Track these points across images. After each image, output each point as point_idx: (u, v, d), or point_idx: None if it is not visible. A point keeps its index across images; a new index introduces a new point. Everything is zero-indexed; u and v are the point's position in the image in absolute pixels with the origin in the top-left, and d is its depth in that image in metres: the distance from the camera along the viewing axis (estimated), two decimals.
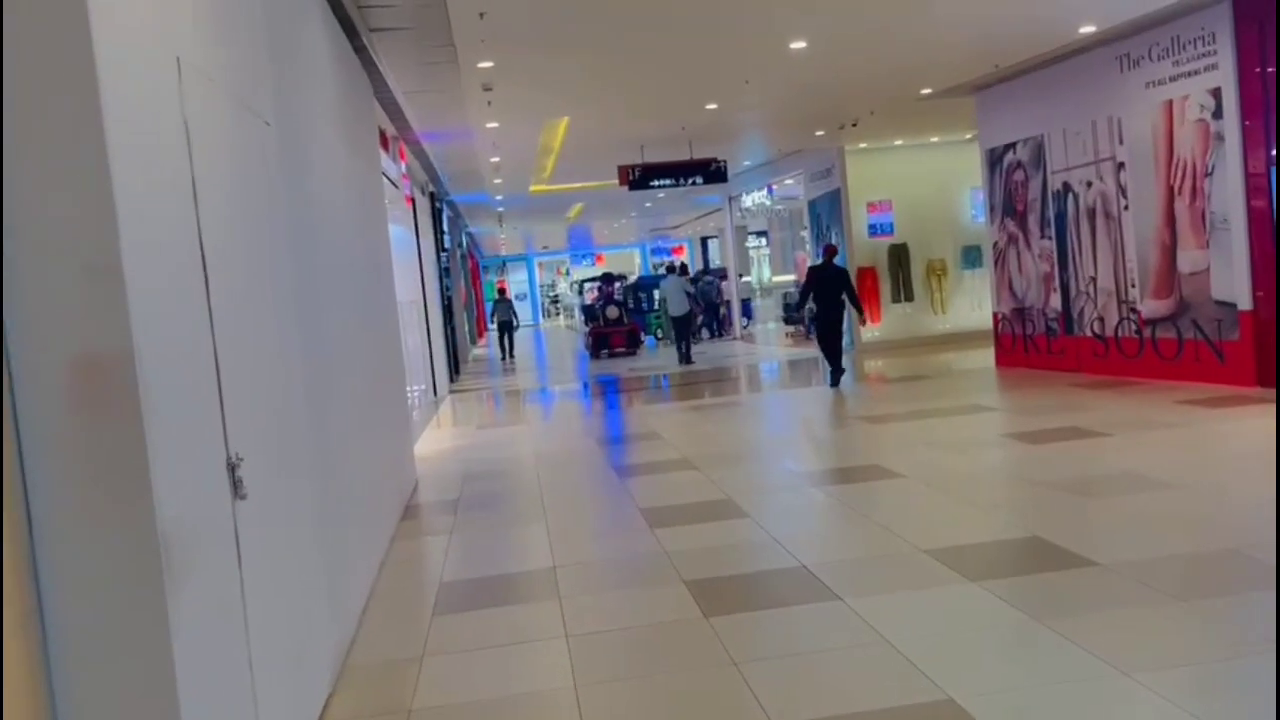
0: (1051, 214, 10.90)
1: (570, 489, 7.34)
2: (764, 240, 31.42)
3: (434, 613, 4.62)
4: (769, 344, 19.34)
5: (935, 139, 15.94)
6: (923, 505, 5.77)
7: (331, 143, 5.48)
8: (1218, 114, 8.59)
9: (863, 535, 5.24)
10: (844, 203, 15.89)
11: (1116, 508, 5.32)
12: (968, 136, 15.78)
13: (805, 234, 29.41)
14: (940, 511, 5.60)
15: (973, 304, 16.37)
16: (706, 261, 40.70)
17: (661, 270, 37.83)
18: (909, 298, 16.30)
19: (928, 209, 16.21)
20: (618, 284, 23.59)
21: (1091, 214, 10.28)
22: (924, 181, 16.16)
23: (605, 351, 19.91)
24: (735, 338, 21.86)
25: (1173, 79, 9.06)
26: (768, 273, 33.58)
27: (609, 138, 12.85)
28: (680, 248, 42.80)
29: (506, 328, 23.02)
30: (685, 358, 16.76)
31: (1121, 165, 9.77)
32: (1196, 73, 8.79)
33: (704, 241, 40.65)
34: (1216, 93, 8.58)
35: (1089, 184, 10.26)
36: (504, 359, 22.19)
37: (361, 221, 6.49)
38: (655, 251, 41.95)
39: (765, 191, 19.00)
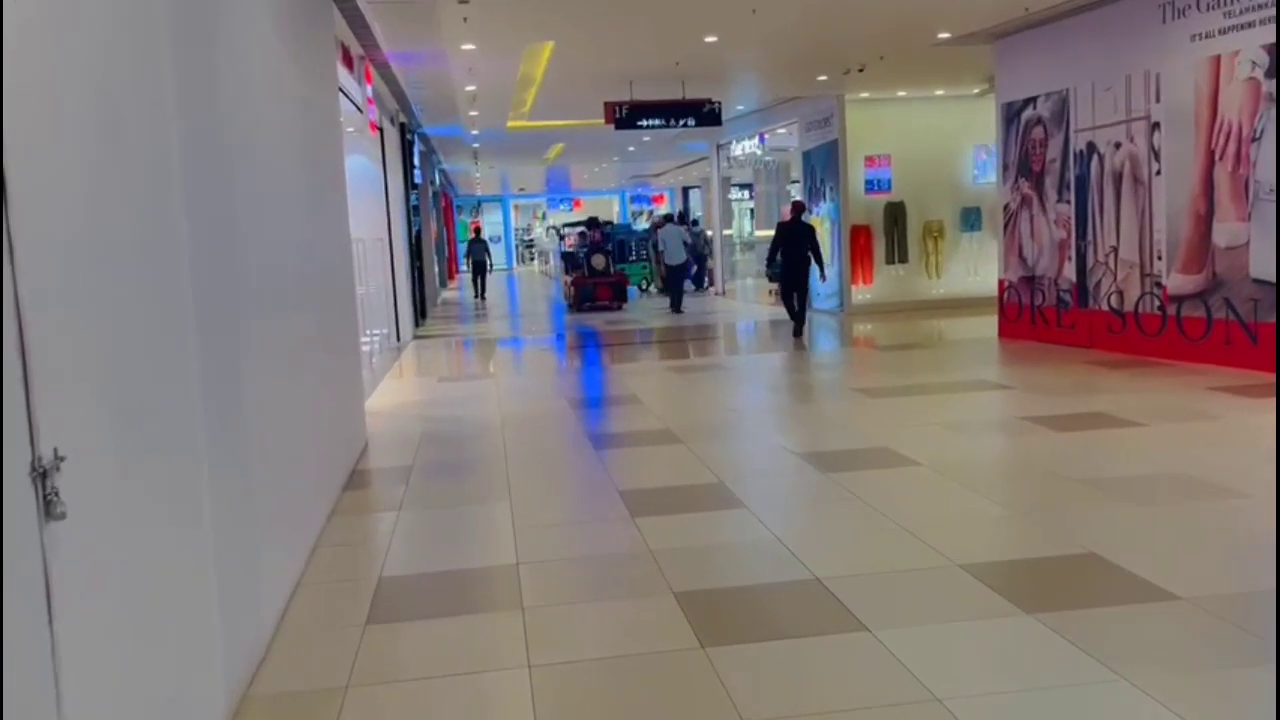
0: (1072, 176, 10.07)
1: (540, 460, 6.50)
2: (747, 193, 30.48)
3: (367, 621, 3.79)
4: (750, 301, 18.49)
5: (940, 92, 15.04)
6: (948, 503, 4.98)
7: (264, 41, 4.52)
8: (1271, 73, 7.76)
9: (884, 540, 4.45)
10: (841, 155, 14.98)
11: (1177, 520, 4.56)
12: (975, 91, 14.93)
13: (793, 188, 28.59)
14: (971, 513, 4.81)
15: (969, 269, 15.63)
16: (687, 211, 39.71)
17: (644, 220, 36.82)
18: (903, 259, 15.49)
19: (928, 167, 15.35)
20: (605, 230, 21.28)
21: (1118, 178, 9.46)
22: (925, 137, 15.28)
23: (588, 304, 18.08)
24: (718, 293, 21.00)
25: (1222, 32, 8.20)
26: (749, 227, 32.72)
27: (596, 71, 11.84)
28: (661, 196, 41.72)
29: (481, 268, 23.91)
30: (676, 306, 17.06)
31: (1156, 125, 8.94)
32: (1250, 25, 7.94)
33: (685, 191, 39.58)
34: (1271, 49, 7.73)
35: (1117, 145, 9.43)
36: (476, 298, 22.63)
37: (306, 142, 5.54)
38: (635, 199, 40.86)
39: (757, 140, 18.01)
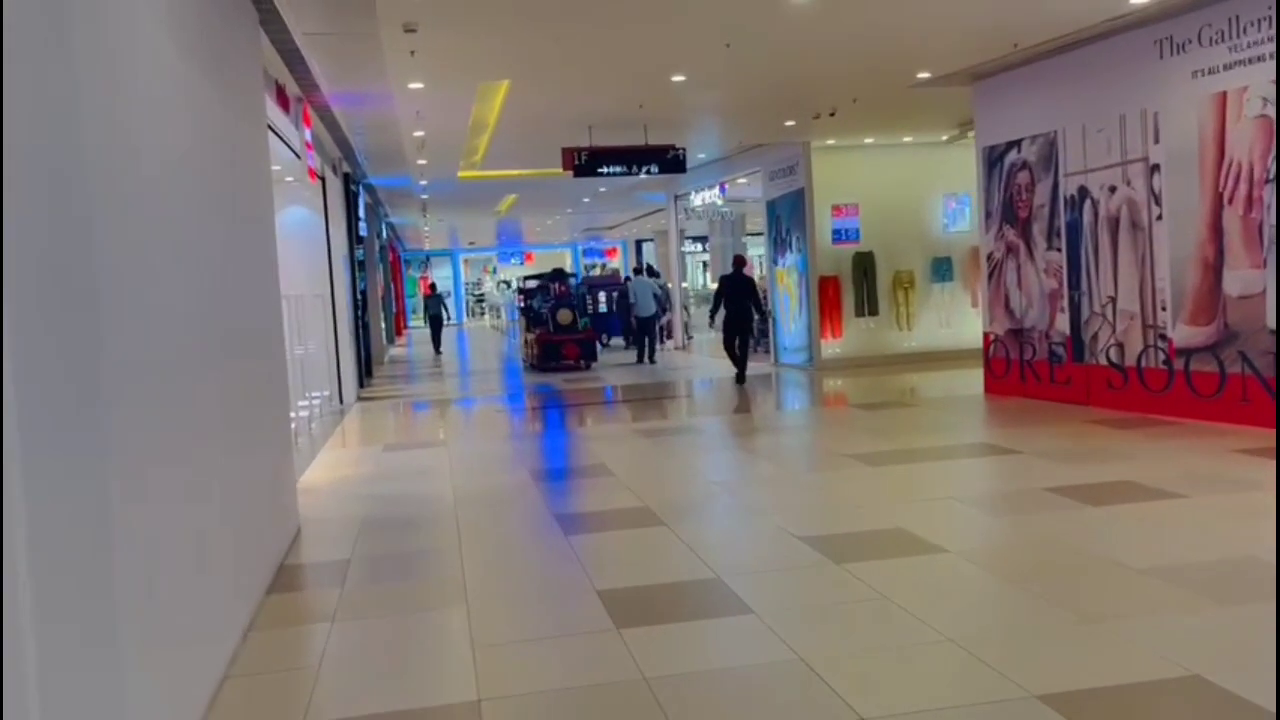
0: (1062, 223, 9.49)
1: (501, 551, 5.59)
2: (700, 245, 29.94)
3: None
4: (713, 355, 17.64)
5: (909, 139, 14.56)
6: (998, 607, 4.17)
7: (163, 60, 3.66)
8: None
9: (934, 661, 3.61)
10: (808, 204, 14.38)
11: (1272, 622, 3.78)
12: (944, 138, 14.48)
13: (749, 240, 28.14)
14: (1031, 620, 3.99)
15: (941, 320, 15.06)
16: (641, 265, 39.15)
17: (597, 271, 36.16)
18: (873, 311, 14.87)
19: (897, 216, 14.82)
20: (571, 282, 19.93)
21: (1114, 224, 8.88)
22: (894, 186, 14.77)
23: (553, 364, 16.40)
24: (678, 347, 20.24)
25: (1227, 67, 7.68)
26: (704, 279, 32.15)
27: (554, 114, 11.11)
28: (614, 249, 41.21)
29: (437, 322, 24.50)
30: (650, 358, 17.22)
31: (1156, 168, 8.38)
32: (1259, 59, 7.42)
33: (638, 244, 39.08)
34: None
35: (1112, 189, 8.86)
36: (435, 353, 22.91)
37: (225, 184, 4.67)
38: (588, 253, 40.26)
39: (717, 190, 17.41)
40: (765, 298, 17.77)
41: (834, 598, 4.36)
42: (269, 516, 5.27)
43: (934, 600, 4.23)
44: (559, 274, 18.59)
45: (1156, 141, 8.35)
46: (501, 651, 3.93)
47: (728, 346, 13.20)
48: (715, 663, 3.71)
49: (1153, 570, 4.40)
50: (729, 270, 13.54)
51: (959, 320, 15.03)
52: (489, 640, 4.03)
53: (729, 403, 11.89)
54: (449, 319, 28.50)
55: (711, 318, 13.92)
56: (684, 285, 23.16)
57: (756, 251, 30.02)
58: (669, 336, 21.11)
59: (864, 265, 14.80)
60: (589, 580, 4.73)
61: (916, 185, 14.81)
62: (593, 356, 16.85)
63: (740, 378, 13.06)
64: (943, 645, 3.69)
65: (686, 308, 23.60)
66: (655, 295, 17.88)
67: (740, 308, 13.01)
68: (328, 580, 5.07)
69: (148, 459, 3.03)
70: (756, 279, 22.04)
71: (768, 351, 16.65)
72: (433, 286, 27.76)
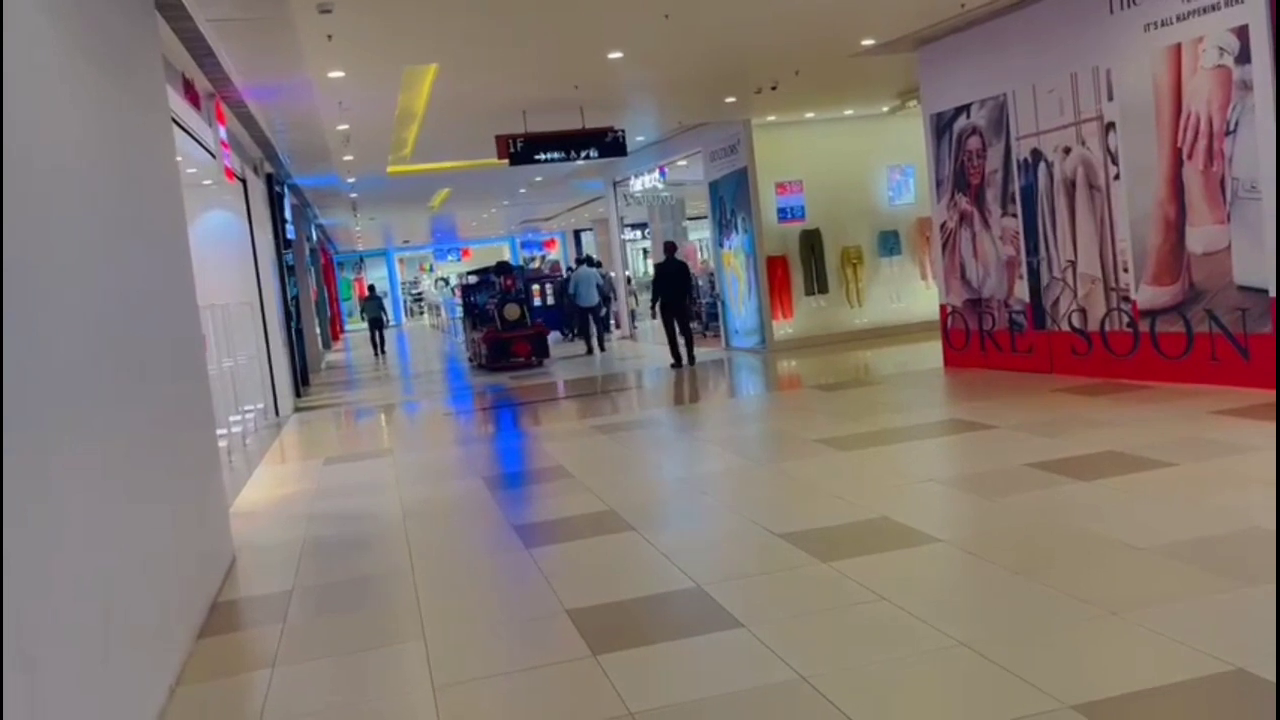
0: (1017, 187, 9.25)
1: (458, 570, 5.13)
2: (640, 233, 29.51)
3: None
4: (660, 343, 17.22)
5: (850, 112, 14.29)
6: (1008, 602, 3.83)
7: (43, 46, 3.14)
8: (1243, 58, 7.01)
9: (956, 673, 3.25)
10: (752, 183, 14.04)
11: None
12: (885, 109, 14.24)
13: (690, 224, 27.82)
14: (1047, 617, 3.65)
15: (891, 295, 14.86)
16: (581, 256, 38.58)
17: (536, 264, 35.53)
18: (823, 289, 14.61)
19: (841, 191, 14.57)
20: (518, 275, 19.26)
21: (1070, 186, 8.65)
22: (837, 160, 14.51)
23: (503, 362, 15.56)
24: (625, 336, 19.83)
25: (1181, 18, 7.45)
26: (644, 267, 31.72)
27: (485, 100, 10.60)
28: (552, 241, 40.63)
29: (377, 324, 24.11)
30: (600, 346, 17.32)
31: (1110, 126, 8.15)
32: (1214, 8, 7.20)
33: (577, 235, 38.53)
34: (1242, 32, 6.99)
35: (1067, 150, 8.63)
36: (376, 355, 22.53)
37: (121, 185, 4.14)
38: (526, 245, 39.62)
39: (657, 174, 17.00)
40: (712, 281, 17.51)
41: (828, 602, 3.98)
42: (196, 550, 4.76)
43: (937, 599, 3.88)
44: (504, 267, 17.83)
45: (1110, 99, 8.12)
46: (466, 691, 3.50)
47: (669, 333, 13.30)
48: (709, 689, 3.31)
49: (1163, 549, 4.10)
50: (682, 256, 14.18)
51: (909, 294, 14.84)
52: (451, 678, 3.59)
53: (684, 392, 11.52)
54: (388, 321, 28.23)
55: (653, 307, 13.96)
56: (627, 274, 22.80)
57: (699, 235, 29.76)
58: (617, 325, 20.78)
59: (811, 243, 14.52)
60: (557, 599, 4.31)
61: (860, 159, 14.57)
62: (545, 353, 16.07)
63: (689, 359, 13.17)
64: (957, 651, 3.33)
65: (635, 295, 23.24)
66: (598, 285, 17.88)
67: (676, 293, 13.18)
68: (267, 616, 4.59)
69: (27, 504, 2.54)
70: (700, 263, 21.87)
71: (718, 335, 16.33)
72: (371, 288, 27.53)
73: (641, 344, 18.21)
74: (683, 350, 13.24)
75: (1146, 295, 8.06)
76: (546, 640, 3.90)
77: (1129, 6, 7.86)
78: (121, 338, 3.78)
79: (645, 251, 30.73)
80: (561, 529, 5.59)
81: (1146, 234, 7.98)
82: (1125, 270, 8.24)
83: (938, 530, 4.71)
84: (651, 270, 25.94)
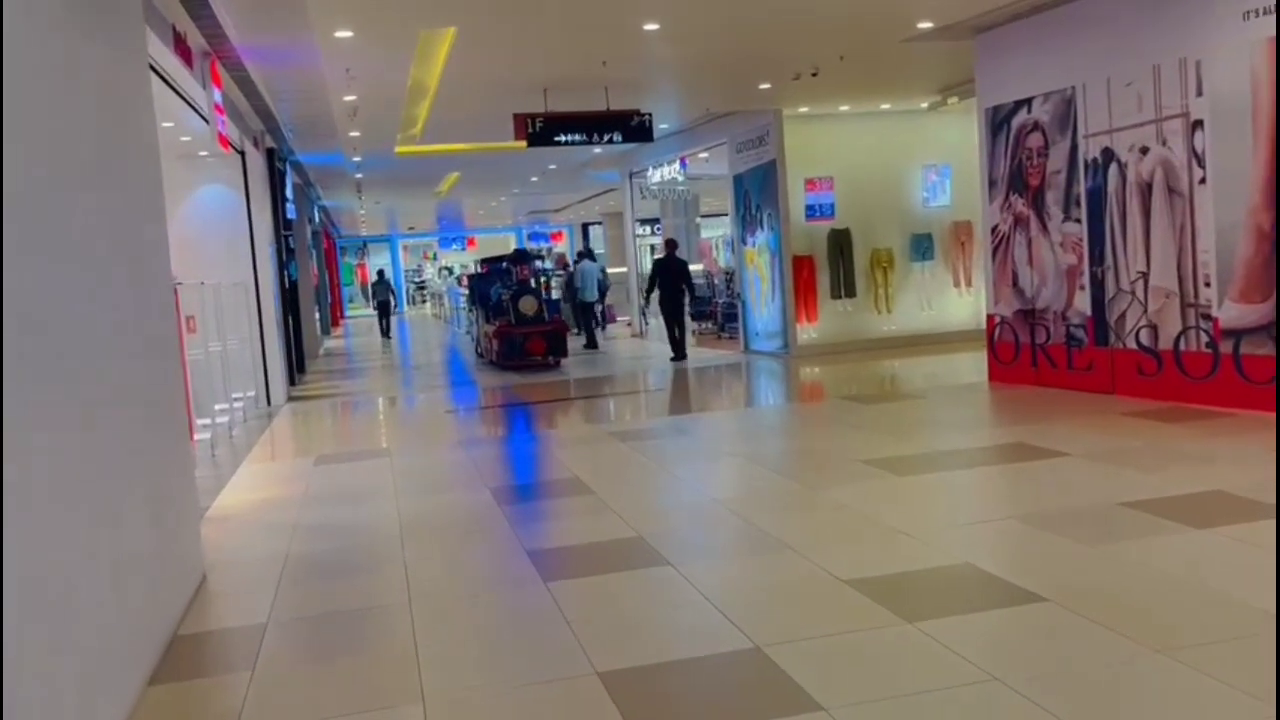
0: (1082, 190, 8.47)
1: (463, 608, 4.35)
2: (650, 228, 28.70)
3: None
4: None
5: (886, 106, 13.50)
6: (1165, 696, 3.05)
7: None
8: None
9: None
10: (780, 177, 13.25)
11: None
12: (924, 105, 13.46)
13: (704, 221, 27.07)
14: (1221, 716, 2.88)
15: (922, 302, 14.08)
16: (588, 249, 37.77)
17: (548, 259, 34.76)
18: (850, 293, 13.82)
19: (874, 190, 13.78)
20: (538, 264, 18.40)
21: (1146, 189, 7.87)
22: (871, 157, 13.73)
23: (516, 360, 13.97)
24: (636, 334, 19.04)
25: None
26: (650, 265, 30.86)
27: (503, 75, 9.82)
28: (560, 233, 39.86)
29: (385, 308, 25.00)
30: (591, 342, 16.79)
31: (1198, 124, 7.37)
32: None
33: (585, 228, 37.72)
34: None
35: (1144, 150, 7.84)
36: (383, 337, 23.72)
37: (76, 140, 3.36)
38: (533, 237, 38.83)
39: (678, 165, 16.21)
40: (729, 281, 16.77)
41: (926, 678, 3.21)
42: (154, 571, 3.98)
43: (1063, 682, 3.10)
44: (521, 255, 16.44)
45: (1199, 94, 7.34)
46: None
47: (668, 328, 13.93)
48: None
49: None
50: (682, 253, 14.46)
51: (941, 302, 14.08)
52: None
53: (708, 397, 10.74)
54: (396, 306, 29.57)
55: (646, 297, 14.76)
56: (640, 272, 22.07)
57: (711, 233, 28.98)
58: (611, 320, 20.36)
59: (840, 243, 13.74)
60: (585, 656, 3.53)
61: (895, 156, 13.78)
62: (562, 352, 14.37)
63: (680, 355, 13.71)
64: None
65: (646, 294, 22.48)
66: (598, 280, 17.91)
67: (674, 290, 13.76)
68: (234, 660, 3.82)
69: None
70: (724, 261, 21.41)
71: (734, 338, 15.56)
72: (380, 273, 28.20)
73: (650, 342, 17.42)
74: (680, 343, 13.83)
75: (1231, 313, 7.29)
76: (575, 714, 3.13)
77: None
78: (68, 318, 3.00)
79: (652, 249, 29.94)
80: (584, 558, 4.82)
81: (1235, 245, 7.20)
82: (1207, 284, 7.46)
83: (1036, 584, 3.93)
84: (650, 265, 25.37)
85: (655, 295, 14.02)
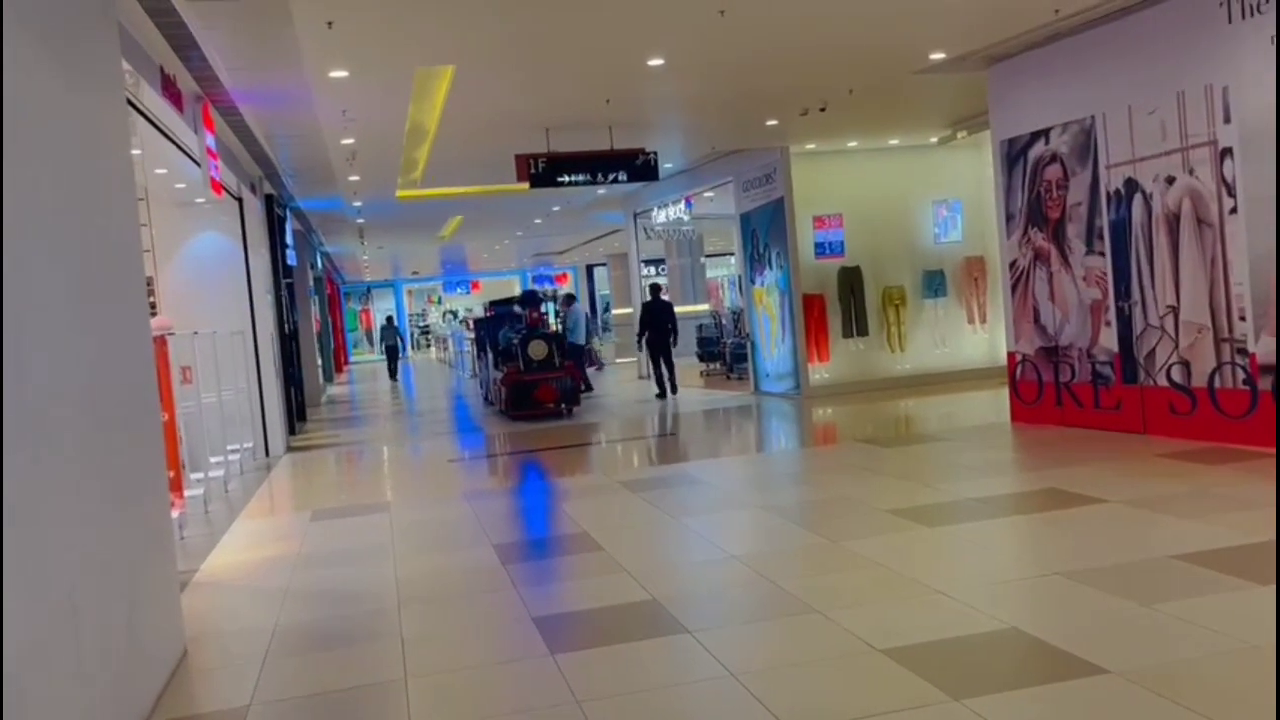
0: (1105, 222, 8.17)
1: (465, 688, 3.98)
2: (654, 269, 28.48)
3: None
4: (682, 385, 16.02)
5: (895, 142, 13.28)
6: None
7: None
8: None
9: None
10: (789, 215, 12.99)
11: None
12: (933, 140, 13.23)
13: (708, 261, 26.85)
14: None
15: (935, 340, 13.74)
16: (592, 292, 37.56)
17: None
18: (862, 332, 13.50)
19: (884, 226, 13.53)
20: (551, 306, 18.71)
21: (1173, 220, 7.57)
22: (880, 193, 13.49)
23: (526, 409, 13.21)
24: (642, 375, 18.69)
25: None
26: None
27: (504, 115, 9.60)
28: (564, 275, 39.69)
29: (394, 352, 26.25)
30: (586, 385, 16.40)
31: (1227, 152, 7.08)
32: None
33: (589, 270, 37.55)
34: None
35: (1170, 180, 7.55)
36: (392, 380, 24.86)
37: (51, 178, 3.07)
38: (538, 279, 38.63)
39: (683, 205, 15.98)
40: (737, 322, 16.51)
41: None
42: (123, 659, 3.63)
43: None
44: (531, 297, 15.73)
45: (1227, 121, 7.05)
46: None
47: (655, 367, 14.72)
48: None
49: None
50: (666, 296, 15.77)
51: (955, 339, 13.76)
52: None
53: (719, 442, 10.39)
54: (404, 350, 30.63)
55: (639, 340, 15.26)
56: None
57: (716, 273, 28.74)
58: (593, 364, 21.04)
59: (850, 281, 13.45)
60: None
61: (905, 192, 13.54)
62: (575, 400, 13.68)
63: (671, 390, 14.44)
64: None
65: (640, 337, 22.38)
66: (585, 323, 18.37)
67: (661, 331, 14.50)
68: None
69: None
70: (732, 301, 21.70)
71: (744, 379, 15.23)
72: (389, 319, 29.65)
73: (653, 384, 17.04)
74: (666, 382, 14.43)
75: (1269, 347, 6.94)
76: None
77: (1253, 15, 6.82)
78: (31, 378, 2.69)
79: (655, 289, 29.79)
80: (594, 626, 4.45)
81: (1270, 276, 6.88)
82: (1241, 318, 7.12)
83: (1095, 653, 3.57)
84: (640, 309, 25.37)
85: (645, 338, 14.81)
